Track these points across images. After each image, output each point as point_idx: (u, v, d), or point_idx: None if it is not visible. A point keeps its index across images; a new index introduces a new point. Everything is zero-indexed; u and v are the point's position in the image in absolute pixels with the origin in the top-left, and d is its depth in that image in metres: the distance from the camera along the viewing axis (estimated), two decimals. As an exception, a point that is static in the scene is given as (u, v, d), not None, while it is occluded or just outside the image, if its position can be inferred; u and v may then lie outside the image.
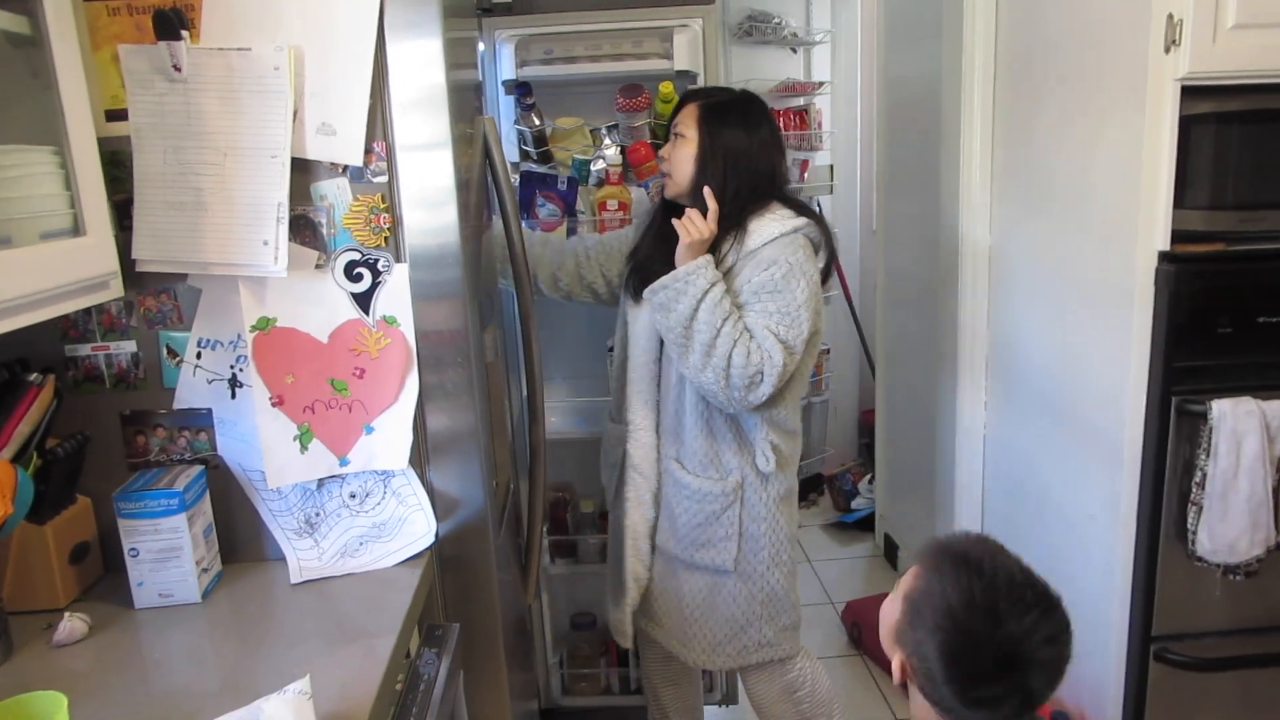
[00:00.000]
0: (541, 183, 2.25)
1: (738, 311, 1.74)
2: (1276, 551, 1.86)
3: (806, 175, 3.84)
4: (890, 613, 1.10)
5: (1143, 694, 1.99)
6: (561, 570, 2.38)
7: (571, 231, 2.25)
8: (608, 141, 2.27)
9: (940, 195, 2.69)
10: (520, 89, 2.20)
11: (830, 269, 1.89)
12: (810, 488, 4.08)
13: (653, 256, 1.86)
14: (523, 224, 1.89)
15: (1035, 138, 2.28)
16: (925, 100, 2.82)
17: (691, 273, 1.72)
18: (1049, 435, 2.27)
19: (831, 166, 4.00)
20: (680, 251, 1.76)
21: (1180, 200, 1.81)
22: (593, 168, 2.26)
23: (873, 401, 3.69)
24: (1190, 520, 1.86)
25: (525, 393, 1.79)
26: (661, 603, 1.98)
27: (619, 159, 2.25)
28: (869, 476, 3.83)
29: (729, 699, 2.50)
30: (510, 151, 2.44)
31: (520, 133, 2.26)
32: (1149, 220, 1.82)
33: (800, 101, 3.85)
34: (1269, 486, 1.82)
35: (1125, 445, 1.92)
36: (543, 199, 2.25)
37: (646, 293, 1.78)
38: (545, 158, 2.28)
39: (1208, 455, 1.82)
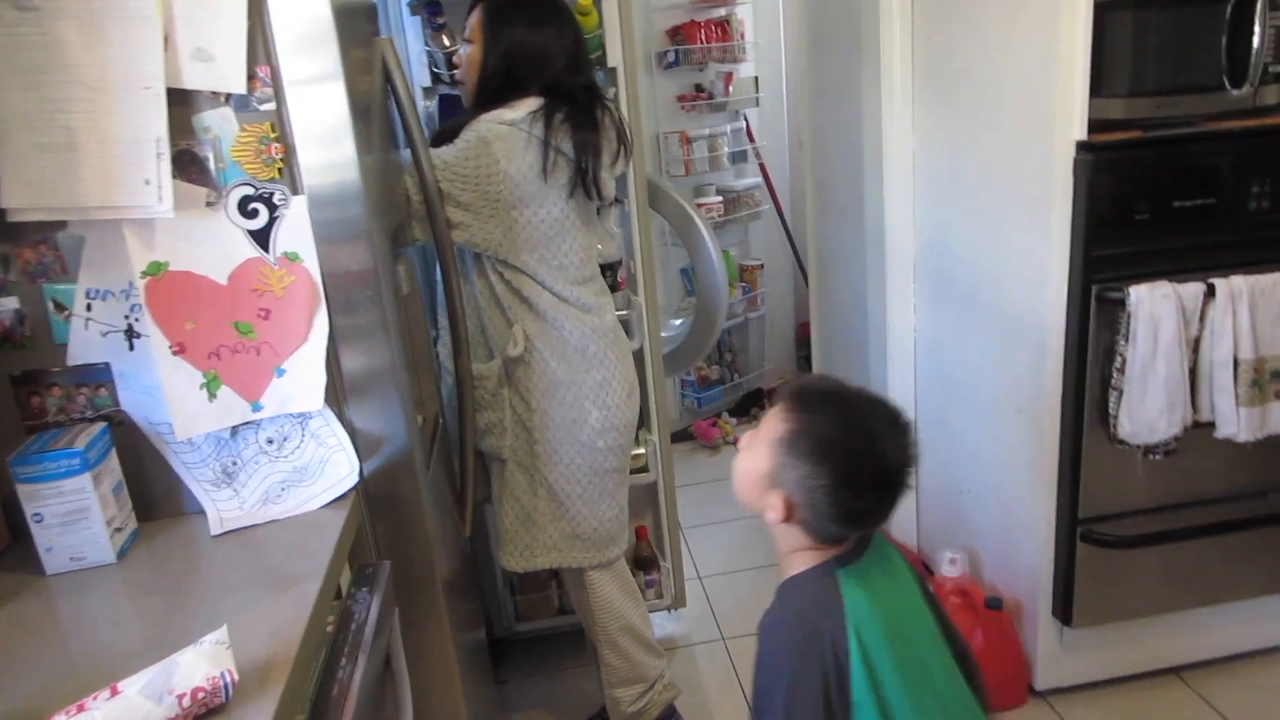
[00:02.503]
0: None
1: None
2: (1193, 430, 1.92)
3: (731, 89, 3.76)
4: (756, 464, 1.14)
5: (1071, 574, 2.06)
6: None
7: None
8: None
9: (863, 102, 2.65)
10: (430, 9, 2.10)
11: (547, 165, 1.75)
12: (751, 402, 4.12)
13: None
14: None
15: (953, 36, 2.25)
16: (845, 6, 2.76)
17: None
18: (976, 332, 2.29)
19: (756, 79, 3.92)
20: None
21: (1097, 89, 1.81)
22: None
23: (808, 314, 3.70)
24: (1111, 405, 1.91)
25: (448, 323, 1.75)
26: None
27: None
28: (809, 388, 3.86)
29: (678, 602, 2.53)
30: (421, 74, 2.34)
31: (431, 54, 2.17)
32: (1065, 110, 1.82)
33: (721, 12, 3.75)
34: (1185, 368, 1.87)
35: (1049, 336, 1.95)
36: (463, 123, 2.16)
37: None
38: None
39: (1127, 340, 1.86)
